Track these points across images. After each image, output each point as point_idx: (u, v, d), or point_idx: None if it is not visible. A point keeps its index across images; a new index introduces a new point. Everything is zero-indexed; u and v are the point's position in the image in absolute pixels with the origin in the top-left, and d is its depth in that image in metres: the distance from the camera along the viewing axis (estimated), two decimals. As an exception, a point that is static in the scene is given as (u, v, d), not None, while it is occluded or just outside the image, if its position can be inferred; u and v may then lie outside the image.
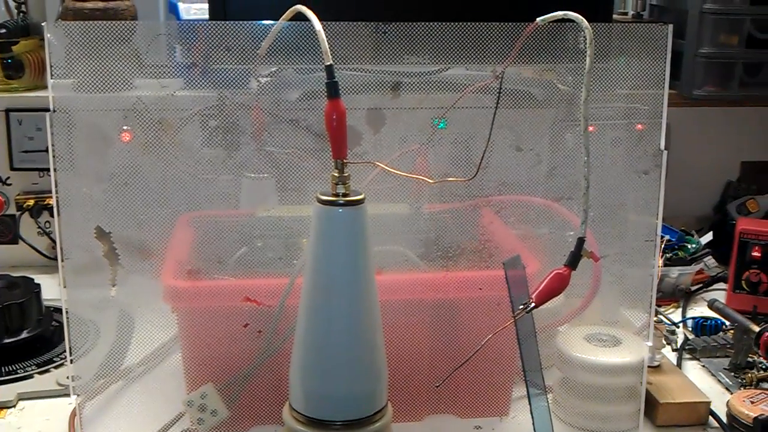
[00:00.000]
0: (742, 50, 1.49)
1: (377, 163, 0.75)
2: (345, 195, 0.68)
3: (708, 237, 1.44)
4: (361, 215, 0.69)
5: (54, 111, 0.82)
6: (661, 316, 1.25)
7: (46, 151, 0.83)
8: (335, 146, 0.69)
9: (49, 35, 0.81)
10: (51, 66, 0.81)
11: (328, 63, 0.67)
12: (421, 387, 0.90)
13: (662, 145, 0.88)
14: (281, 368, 0.76)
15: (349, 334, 0.70)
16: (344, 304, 0.69)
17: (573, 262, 0.76)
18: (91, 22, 0.80)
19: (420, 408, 0.92)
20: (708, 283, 1.39)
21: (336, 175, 0.69)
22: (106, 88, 0.83)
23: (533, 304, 0.75)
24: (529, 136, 0.94)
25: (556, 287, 0.75)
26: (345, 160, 0.69)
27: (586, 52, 0.73)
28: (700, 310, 1.29)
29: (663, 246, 1.22)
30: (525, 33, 0.76)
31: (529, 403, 0.83)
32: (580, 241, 0.75)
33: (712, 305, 1.18)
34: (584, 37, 0.72)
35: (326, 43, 0.67)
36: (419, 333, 0.89)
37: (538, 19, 0.75)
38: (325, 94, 0.68)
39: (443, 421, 0.93)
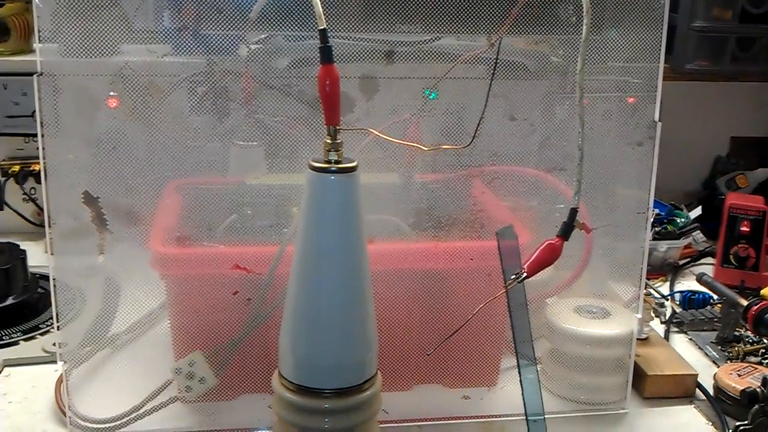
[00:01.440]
0: (736, 25, 1.48)
1: (370, 130, 0.74)
2: (338, 162, 0.67)
3: (697, 211, 1.44)
4: (354, 182, 0.68)
5: (41, 75, 0.80)
6: (650, 289, 1.25)
7: (32, 116, 0.82)
8: (328, 112, 0.68)
9: None
10: (38, 30, 0.79)
11: (322, 27, 0.66)
12: (410, 356, 0.89)
13: (656, 117, 0.88)
14: (270, 336, 0.76)
15: (340, 303, 0.69)
16: (335, 273, 0.69)
17: (565, 232, 0.75)
18: (77, -16, 0.79)
19: (409, 377, 0.92)
20: (696, 257, 1.39)
21: (329, 141, 0.67)
22: (94, 52, 0.81)
23: (525, 274, 0.74)
24: (522, 107, 0.93)
25: (548, 258, 0.75)
26: (338, 127, 0.68)
27: (579, 23, 0.72)
28: (688, 284, 1.30)
29: (652, 220, 1.22)
30: (521, 1, 0.75)
31: (519, 374, 0.83)
32: (573, 212, 0.75)
33: (700, 279, 1.19)
34: (581, 6, 0.71)
35: (320, 6, 0.66)
36: (409, 303, 0.88)
37: (534, -13, 0.74)
38: (316, 61, 0.67)
39: (432, 391, 0.94)
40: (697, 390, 0.98)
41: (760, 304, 1.04)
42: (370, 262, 0.70)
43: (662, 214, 1.40)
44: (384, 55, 0.89)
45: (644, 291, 0.94)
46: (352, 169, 0.67)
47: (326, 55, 0.66)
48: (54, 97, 0.82)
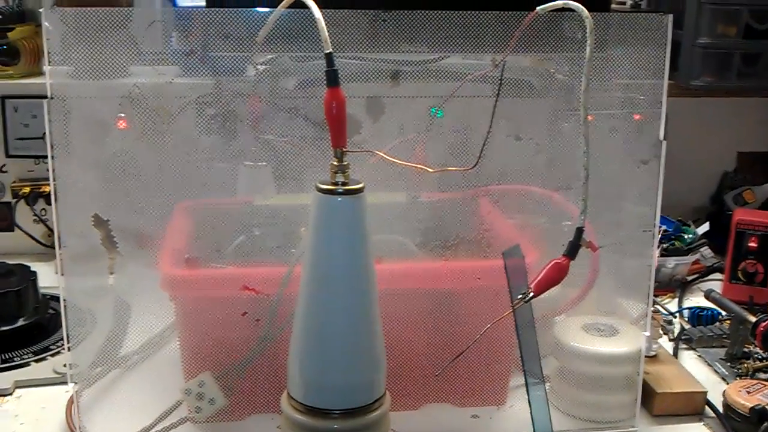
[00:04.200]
0: (740, 41, 1.49)
1: (377, 152, 0.75)
2: (344, 184, 0.68)
3: (704, 227, 1.44)
4: (361, 204, 0.68)
5: (51, 98, 0.81)
6: (658, 306, 1.25)
7: (42, 138, 0.83)
8: (334, 135, 0.68)
9: (46, 23, 0.80)
10: (48, 53, 0.80)
11: (328, 51, 0.67)
12: (419, 376, 0.89)
13: (662, 135, 0.88)
14: (279, 357, 0.76)
15: (348, 323, 0.69)
16: (343, 293, 0.69)
17: (572, 251, 0.76)
18: (87, 8, 0.80)
19: (417, 397, 0.92)
20: (704, 273, 1.39)
21: (335, 163, 0.68)
22: (103, 75, 0.82)
23: (532, 294, 0.74)
24: (527, 126, 0.94)
25: (555, 277, 0.75)
26: (344, 149, 0.68)
27: (584, 41, 0.73)
28: (696, 300, 1.29)
29: (659, 236, 1.22)
30: (525, 22, 0.76)
31: (527, 393, 0.83)
32: (579, 231, 0.75)
33: (708, 295, 1.19)
34: (584, 26, 0.72)
35: (326, 31, 0.66)
36: (417, 322, 0.89)
37: (538, 8, 0.75)
38: (322, 81, 0.68)
39: (440, 410, 0.94)
40: (707, 407, 0.98)
41: (769, 320, 1.04)
42: (377, 281, 0.70)
43: (670, 230, 1.39)
44: (390, 75, 0.90)
45: (652, 308, 0.94)
46: (359, 191, 0.68)
47: (332, 78, 0.67)
48: (64, 120, 0.83)
